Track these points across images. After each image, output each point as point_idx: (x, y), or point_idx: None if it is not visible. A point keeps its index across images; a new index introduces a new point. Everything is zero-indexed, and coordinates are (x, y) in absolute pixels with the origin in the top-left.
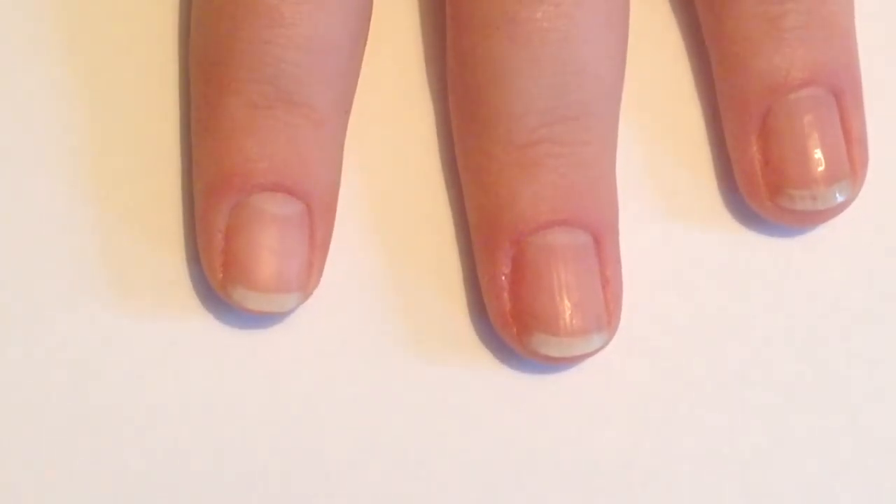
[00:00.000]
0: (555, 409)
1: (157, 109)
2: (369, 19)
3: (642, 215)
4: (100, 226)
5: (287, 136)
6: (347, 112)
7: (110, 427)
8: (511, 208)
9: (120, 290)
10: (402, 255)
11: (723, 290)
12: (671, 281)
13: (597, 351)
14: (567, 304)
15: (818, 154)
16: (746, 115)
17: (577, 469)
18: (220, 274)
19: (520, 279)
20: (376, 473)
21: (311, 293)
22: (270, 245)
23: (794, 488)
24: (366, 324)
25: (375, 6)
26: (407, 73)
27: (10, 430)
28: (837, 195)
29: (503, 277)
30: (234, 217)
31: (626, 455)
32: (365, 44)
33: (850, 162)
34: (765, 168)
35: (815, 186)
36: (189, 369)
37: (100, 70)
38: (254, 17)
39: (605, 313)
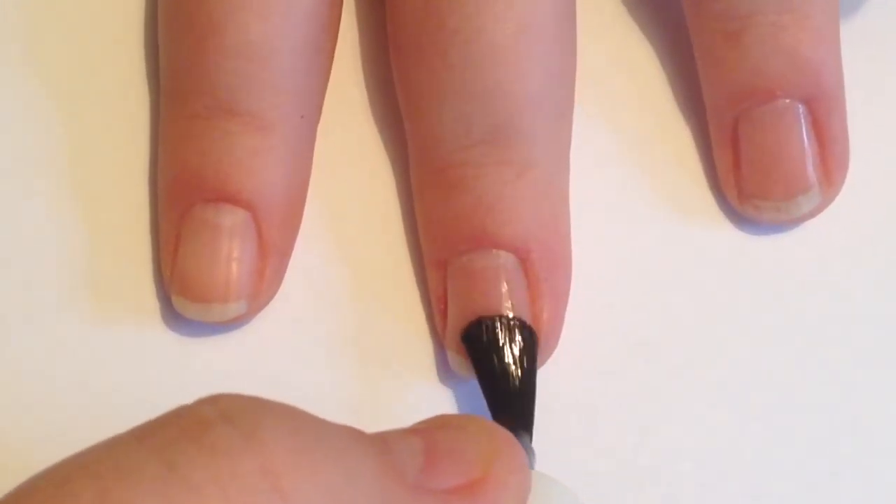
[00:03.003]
0: (555, 409)
1: (143, 115)
2: (330, 24)
3: (642, 215)
4: (89, 228)
5: (227, 145)
6: (307, 116)
7: (106, 427)
8: (434, 231)
9: (112, 290)
10: (371, 265)
11: (723, 289)
12: (672, 281)
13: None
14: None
15: (778, 168)
16: (720, 124)
17: (578, 469)
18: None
19: (449, 301)
20: None
21: (267, 300)
22: (210, 255)
23: (794, 488)
24: (345, 331)
25: (358, 14)
26: (381, 84)
27: (9, 430)
28: (802, 205)
29: (440, 299)
30: (179, 229)
31: (626, 455)
32: (328, 48)
33: (824, 167)
34: (736, 175)
35: (776, 199)
36: (181, 371)
37: (76, 81)
38: (192, 28)
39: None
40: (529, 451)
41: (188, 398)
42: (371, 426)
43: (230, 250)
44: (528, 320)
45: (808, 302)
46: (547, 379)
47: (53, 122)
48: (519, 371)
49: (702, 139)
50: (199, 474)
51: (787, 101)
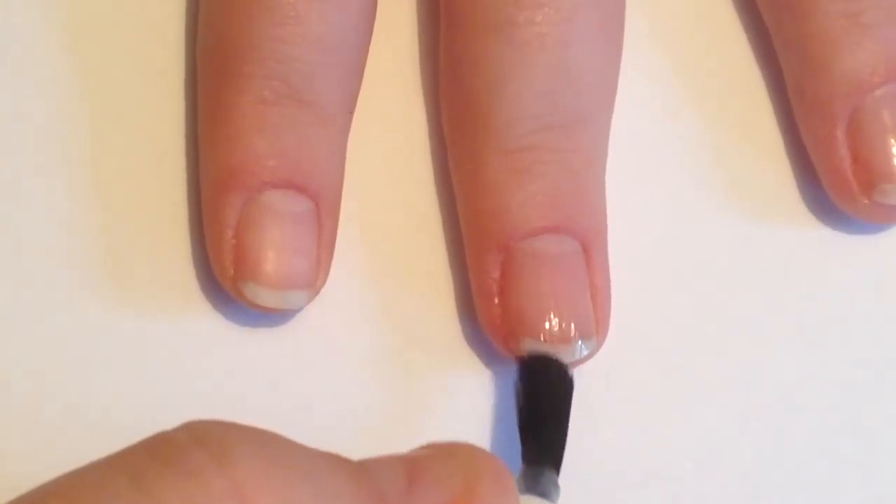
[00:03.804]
0: None
1: (160, 105)
2: (374, 18)
3: (643, 215)
4: (102, 223)
5: (297, 133)
6: (352, 111)
7: (111, 426)
8: (500, 214)
9: (123, 289)
10: (394, 257)
11: (723, 290)
12: (672, 281)
13: (586, 359)
14: (554, 311)
15: None
16: (831, 116)
17: (577, 469)
18: (231, 270)
19: (508, 285)
20: None
21: (319, 291)
22: (281, 242)
23: (794, 488)
24: (360, 325)
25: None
26: (403, 74)
27: (12, 430)
28: None
29: (492, 283)
30: (244, 214)
31: (626, 455)
32: (369, 43)
33: None
34: (855, 167)
35: None
36: (191, 368)
37: (102, 66)
38: (266, 14)
39: (591, 322)
40: (555, 488)
41: (198, 389)
42: (398, 420)
43: (302, 238)
44: (589, 309)
45: (808, 302)
46: None
47: (76, 109)
48: (559, 411)
49: (704, 138)
50: (171, 495)
51: None
